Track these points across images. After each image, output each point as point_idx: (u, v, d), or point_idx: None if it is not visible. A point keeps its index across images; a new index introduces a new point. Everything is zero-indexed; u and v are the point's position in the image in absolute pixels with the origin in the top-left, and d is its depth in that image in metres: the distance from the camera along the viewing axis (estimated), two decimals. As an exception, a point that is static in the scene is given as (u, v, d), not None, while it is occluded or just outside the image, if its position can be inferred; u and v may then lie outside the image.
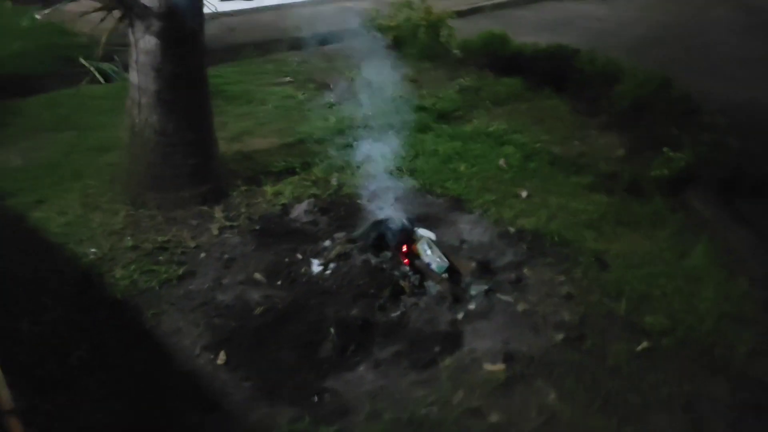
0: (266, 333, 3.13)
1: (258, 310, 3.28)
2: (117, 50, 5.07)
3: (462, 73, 7.11)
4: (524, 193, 4.54)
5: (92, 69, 6.02)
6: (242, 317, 3.25)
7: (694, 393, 2.86)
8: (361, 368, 2.94)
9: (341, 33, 7.61)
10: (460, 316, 3.29)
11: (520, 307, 3.36)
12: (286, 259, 3.72)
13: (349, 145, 5.04)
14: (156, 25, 3.76)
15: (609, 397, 2.80)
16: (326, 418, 2.67)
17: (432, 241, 3.71)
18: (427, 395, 2.79)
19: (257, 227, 4.05)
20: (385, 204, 4.15)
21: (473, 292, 3.47)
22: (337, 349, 3.02)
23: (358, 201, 4.31)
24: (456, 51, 7.64)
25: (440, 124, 5.72)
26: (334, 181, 4.63)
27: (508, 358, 3.00)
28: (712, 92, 6.37)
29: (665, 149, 4.85)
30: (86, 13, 4.01)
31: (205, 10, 4.10)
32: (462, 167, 4.88)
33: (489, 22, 9.42)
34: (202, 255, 3.76)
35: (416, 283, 3.47)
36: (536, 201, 4.44)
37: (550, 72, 6.68)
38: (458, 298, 3.41)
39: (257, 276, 3.59)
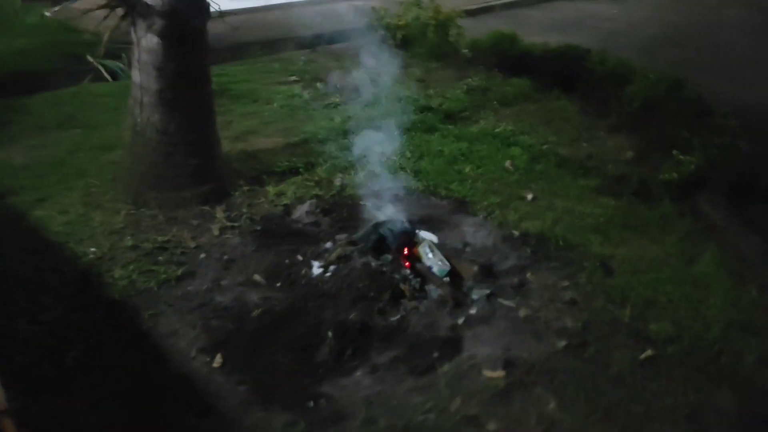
0: (263, 336, 3.10)
1: (256, 313, 3.25)
2: (125, 48, 5.08)
3: (470, 73, 7.05)
4: (530, 196, 4.47)
5: (99, 67, 6.04)
6: (240, 319, 3.21)
7: (699, 403, 2.79)
8: (358, 373, 2.89)
9: (349, 32, 7.57)
10: (460, 320, 3.24)
11: (522, 312, 3.30)
12: (287, 261, 3.68)
13: (354, 146, 4.98)
14: (158, 23, 3.73)
15: (610, 406, 2.73)
16: (321, 424, 2.63)
17: (434, 243, 3.66)
18: (424, 402, 2.74)
19: (258, 228, 4.01)
20: (388, 205, 4.10)
21: (475, 296, 3.41)
22: (334, 354, 2.97)
23: (361, 202, 4.26)
24: (465, 51, 7.59)
25: (446, 124, 5.66)
26: (337, 182, 4.58)
27: (509, 364, 2.93)
28: (723, 94, 6.28)
29: (675, 152, 4.77)
30: (89, 10, 3.99)
31: (210, 9, 4.08)
32: (467, 168, 4.83)
33: (499, 21, 9.36)
34: (202, 255, 3.73)
35: (417, 286, 3.42)
36: (542, 204, 4.37)
37: (560, 72, 6.61)
38: (459, 302, 3.35)
39: (257, 277, 3.55)
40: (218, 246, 3.82)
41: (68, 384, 2.76)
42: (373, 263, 3.47)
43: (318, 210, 4.18)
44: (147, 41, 3.81)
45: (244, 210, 4.18)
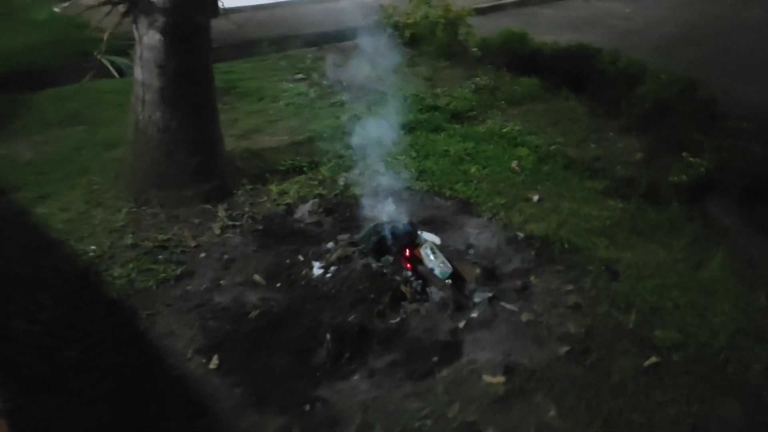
0: (260, 337, 3.06)
1: (254, 314, 3.21)
2: (133, 44, 5.04)
3: (479, 72, 6.98)
4: (536, 197, 4.40)
5: (107, 63, 6.02)
6: (237, 320, 3.17)
7: (704, 414, 2.71)
8: (355, 377, 2.85)
9: (357, 30, 7.49)
10: (461, 324, 3.18)
11: (525, 316, 3.24)
12: (287, 261, 3.64)
13: (359, 145, 4.93)
14: (160, 20, 3.70)
15: (611, 415, 2.67)
16: (316, 429, 2.59)
17: (436, 245, 3.60)
18: (421, 408, 2.68)
19: (260, 227, 3.98)
20: (392, 206, 4.05)
21: (477, 299, 3.35)
22: (331, 357, 2.93)
23: (365, 202, 4.21)
24: (474, 49, 7.52)
25: (453, 124, 5.60)
26: (341, 181, 4.54)
27: (509, 370, 2.87)
28: (739, 95, 6.16)
29: (685, 154, 4.68)
30: (92, 6, 3.97)
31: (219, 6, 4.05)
32: (473, 169, 4.76)
33: (510, 20, 9.26)
34: (202, 255, 3.70)
35: (418, 288, 3.37)
36: (548, 206, 4.30)
37: (570, 72, 6.53)
38: (461, 305, 3.30)
39: (256, 278, 3.52)
40: (219, 245, 3.79)
41: (63, 384, 2.74)
42: (374, 265, 3.42)
43: (320, 210, 4.14)
44: (149, 38, 3.78)
45: (246, 209, 4.15)
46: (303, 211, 4.15)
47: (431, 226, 3.99)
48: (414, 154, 4.95)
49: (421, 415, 2.65)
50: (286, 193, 4.35)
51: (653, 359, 2.97)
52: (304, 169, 4.69)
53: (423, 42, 7.60)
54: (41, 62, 6.25)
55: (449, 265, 3.48)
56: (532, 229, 3.99)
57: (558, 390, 2.78)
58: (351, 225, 3.99)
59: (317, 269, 3.51)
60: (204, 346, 3.00)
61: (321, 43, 7.82)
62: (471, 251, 3.80)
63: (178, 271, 3.51)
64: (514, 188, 4.52)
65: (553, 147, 5.21)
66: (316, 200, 4.24)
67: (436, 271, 3.44)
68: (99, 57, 4.16)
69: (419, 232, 3.72)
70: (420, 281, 3.40)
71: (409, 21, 7.66)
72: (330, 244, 3.72)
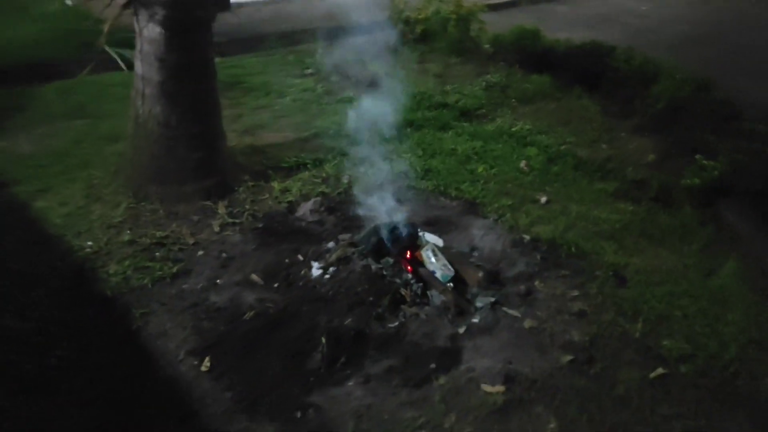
0: (255, 339, 2.98)
1: (248, 315, 3.14)
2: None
3: (490, 69, 6.88)
4: (543, 199, 4.29)
5: (115, 55, 5.97)
6: (232, 321, 3.10)
7: (711, 429, 2.61)
8: (350, 383, 2.76)
9: (368, 25, 7.39)
10: (461, 330, 3.09)
11: (527, 323, 3.14)
12: (286, 261, 3.57)
13: (365, 142, 4.85)
14: (160, 13, 3.63)
15: (615, 429, 2.56)
16: (307, 437, 2.52)
17: (438, 247, 3.51)
18: (416, 417, 2.60)
19: (260, 225, 3.91)
20: (395, 205, 3.96)
21: (479, 304, 3.26)
22: (326, 361, 2.85)
23: (368, 201, 4.12)
24: (486, 46, 7.40)
25: (461, 122, 5.51)
26: (345, 179, 4.46)
27: (509, 379, 2.78)
28: (756, 97, 5.99)
29: (698, 156, 4.54)
30: (94, -1, 3.91)
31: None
32: (480, 168, 4.66)
33: (524, 16, 9.12)
34: (200, 253, 3.63)
35: (418, 292, 3.28)
36: (556, 207, 4.20)
37: (583, 70, 6.40)
38: (462, 310, 3.21)
39: (254, 277, 3.45)
40: (218, 243, 3.72)
41: (50, 385, 2.68)
42: (373, 266, 3.33)
43: (323, 208, 4.06)
44: (149, 31, 3.71)
45: (247, 206, 4.08)
46: (305, 209, 4.07)
47: (435, 226, 3.91)
48: (420, 153, 4.86)
49: (415, 425, 2.56)
50: (288, 190, 4.28)
51: (660, 371, 2.87)
52: (308, 166, 4.62)
53: (434, 38, 7.49)
54: (49, 54, 6.21)
55: (451, 268, 3.39)
56: (538, 231, 3.88)
57: (559, 401, 2.68)
58: (353, 224, 3.91)
59: (316, 270, 3.43)
60: (197, 348, 2.94)
61: (330, 38, 7.71)
62: (475, 253, 3.71)
63: (175, 269, 3.44)
64: (521, 189, 4.42)
65: (563, 147, 5.09)
66: (319, 198, 4.17)
67: (438, 274, 3.35)
68: (106, 48, 4.10)
69: (421, 234, 3.62)
70: (420, 284, 3.31)
71: (421, 16, 7.56)
72: (330, 244, 3.63)
